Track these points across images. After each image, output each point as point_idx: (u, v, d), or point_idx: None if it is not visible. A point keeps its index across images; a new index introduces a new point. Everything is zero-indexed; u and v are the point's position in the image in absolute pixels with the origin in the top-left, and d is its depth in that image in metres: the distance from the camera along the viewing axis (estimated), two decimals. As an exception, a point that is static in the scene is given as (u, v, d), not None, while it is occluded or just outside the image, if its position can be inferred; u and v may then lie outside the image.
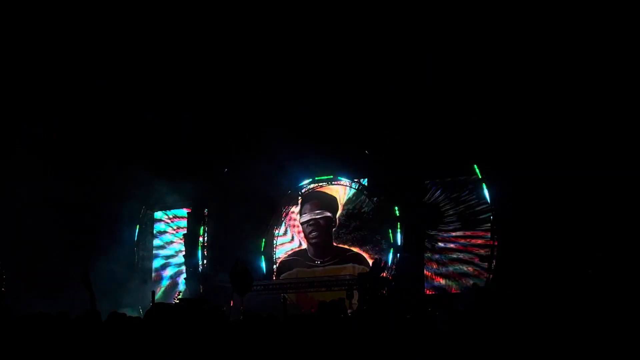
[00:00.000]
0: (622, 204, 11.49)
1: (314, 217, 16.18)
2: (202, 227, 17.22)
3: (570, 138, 12.05)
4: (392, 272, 14.26)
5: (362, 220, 15.54)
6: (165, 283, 17.69)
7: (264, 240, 16.67)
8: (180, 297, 15.94)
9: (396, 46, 13.27)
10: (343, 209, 15.89)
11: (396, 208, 14.93)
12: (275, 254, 16.67)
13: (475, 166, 13.98)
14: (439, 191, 14.47)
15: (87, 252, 14.63)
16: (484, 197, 13.86)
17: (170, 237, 18.03)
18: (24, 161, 14.39)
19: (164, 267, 17.88)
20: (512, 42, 12.11)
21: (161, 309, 5.42)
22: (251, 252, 16.43)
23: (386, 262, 14.37)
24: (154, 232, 18.14)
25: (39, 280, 14.80)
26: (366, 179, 15.72)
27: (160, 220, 18.20)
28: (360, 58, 13.69)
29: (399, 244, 14.59)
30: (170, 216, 18.08)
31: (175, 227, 17.98)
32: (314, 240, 16.10)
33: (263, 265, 16.61)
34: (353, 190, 15.87)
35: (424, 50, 12.77)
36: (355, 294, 13.64)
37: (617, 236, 11.32)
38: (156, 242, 18.12)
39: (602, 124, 11.55)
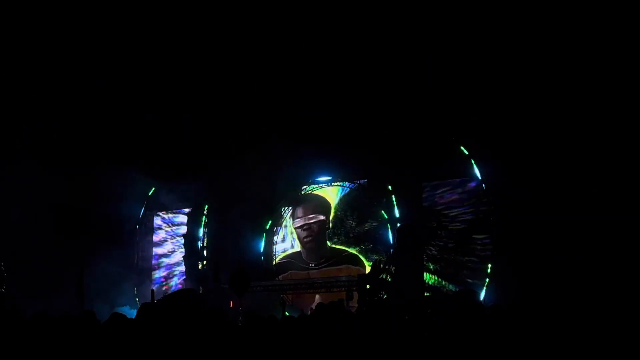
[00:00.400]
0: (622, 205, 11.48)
1: (307, 222, 16.12)
2: (202, 228, 17.22)
3: (570, 138, 12.02)
4: (392, 273, 14.21)
5: (358, 221, 15.48)
6: (158, 282, 17.72)
7: (265, 232, 16.64)
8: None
9: (396, 46, 13.25)
10: (338, 210, 15.83)
11: (395, 207, 14.90)
12: (275, 253, 16.65)
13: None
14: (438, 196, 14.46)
15: (85, 252, 14.63)
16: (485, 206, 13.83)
17: (166, 236, 18.04)
18: (24, 161, 14.40)
19: (159, 266, 17.90)
20: (512, 42, 12.08)
21: (152, 309, 5.42)
22: (250, 251, 16.43)
23: (385, 263, 14.35)
24: (153, 232, 18.14)
25: (36, 281, 14.79)
26: (365, 180, 15.65)
27: (159, 215, 18.20)
28: (360, 58, 13.67)
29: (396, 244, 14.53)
30: (169, 216, 18.09)
31: (171, 226, 17.99)
32: (308, 245, 16.07)
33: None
34: (349, 191, 15.82)
35: (424, 50, 12.75)
36: (355, 295, 13.63)
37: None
38: (155, 240, 18.13)
39: (603, 124, 11.53)
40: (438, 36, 12.34)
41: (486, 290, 13.34)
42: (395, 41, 13.14)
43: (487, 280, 13.44)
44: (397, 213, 14.83)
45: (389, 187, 15.03)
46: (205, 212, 17.26)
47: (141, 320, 5.14)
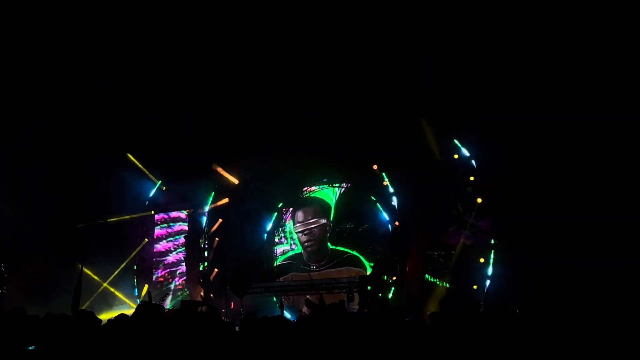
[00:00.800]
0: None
1: (307, 226, 16.10)
2: (203, 228, 17.21)
3: (571, 138, 12.02)
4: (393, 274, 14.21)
5: (358, 222, 15.44)
6: (158, 281, 17.73)
7: (266, 233, 16.62)
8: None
9: (396, 46, 13.25)
10: (338, 211, 15.80)
11: (395, 207, 14.88)
12: (275, 254, 16.63)
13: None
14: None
15: (84, 253, 14.64)
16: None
17: (164, 233, 18.05)
18: (24, 161, 14.40)
19: (158, 266, 17.90)
20: (512, 42, 12.08)
21: (150, 308, 5.41)
22: (251, 252, 16.41)
23: (386, 264, 14.34)
24: (153, 232, 18.14)
25: (37, 281, 14.77)
26: (364, 180, 15.61)
27: (158, 215, 18.19)
28: (360, 58, 13.67)
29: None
30: (168, 214, 18.08)
31: (169, 224, 17.98)
32: (309, 249, 16.06)
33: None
34: (349, 191, 15.79)
35: (424, 50, 12.75)
36: (356, 296, 13.63)
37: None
38: (154, 240, 18.13)
39: (604, 124, 11.53)
40: (438, 36, 12.34)
41: (486, 290, 13.34)
42: (395, 41, 13.13)
43: (488, 281, 13.45)
44: (397, 213, 14.82)
45: (389, 188, 15.02)
46: (205, 212, 17.24)
47: (139, 319, 5.14)
